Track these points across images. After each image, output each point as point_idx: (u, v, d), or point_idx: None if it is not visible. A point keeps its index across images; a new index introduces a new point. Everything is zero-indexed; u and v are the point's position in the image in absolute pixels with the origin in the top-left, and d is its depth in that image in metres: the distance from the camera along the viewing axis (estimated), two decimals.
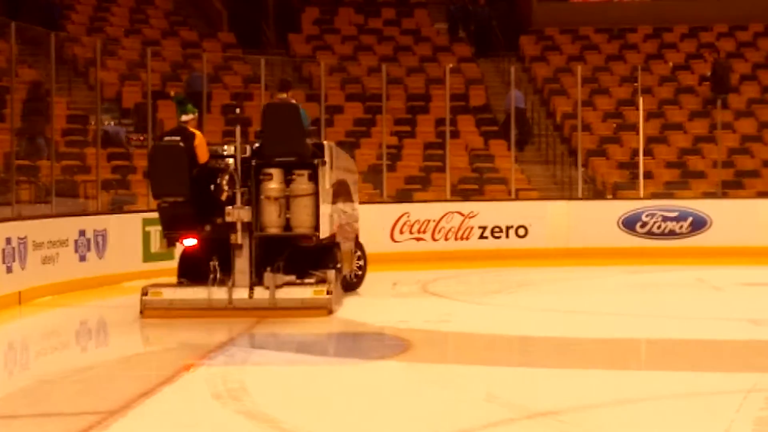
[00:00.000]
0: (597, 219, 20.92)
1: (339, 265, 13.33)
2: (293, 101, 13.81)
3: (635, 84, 23.73)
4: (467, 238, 20.35)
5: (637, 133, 22.34)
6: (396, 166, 22.26)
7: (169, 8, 27.34)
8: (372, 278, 15.35)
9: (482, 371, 9.87)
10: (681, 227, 20.89)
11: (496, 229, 20.56)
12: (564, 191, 22.83)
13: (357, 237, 15.19)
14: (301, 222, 12.76)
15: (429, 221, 20.11)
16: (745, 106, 25.41)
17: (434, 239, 20.05)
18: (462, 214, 20.42)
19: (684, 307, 14.29)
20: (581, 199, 22.05)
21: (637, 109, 22.55)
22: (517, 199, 21.73)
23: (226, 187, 12.52)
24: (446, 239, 20.27)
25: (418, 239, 19.99)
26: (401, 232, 19.95)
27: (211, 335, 11.56)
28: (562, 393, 8.65)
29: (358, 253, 15.11)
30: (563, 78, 25.96)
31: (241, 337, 11.69)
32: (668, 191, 22.33)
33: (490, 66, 27.38)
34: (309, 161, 12.84)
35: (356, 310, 13.71)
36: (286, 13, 27.74)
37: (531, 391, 8.77)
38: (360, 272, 15.09)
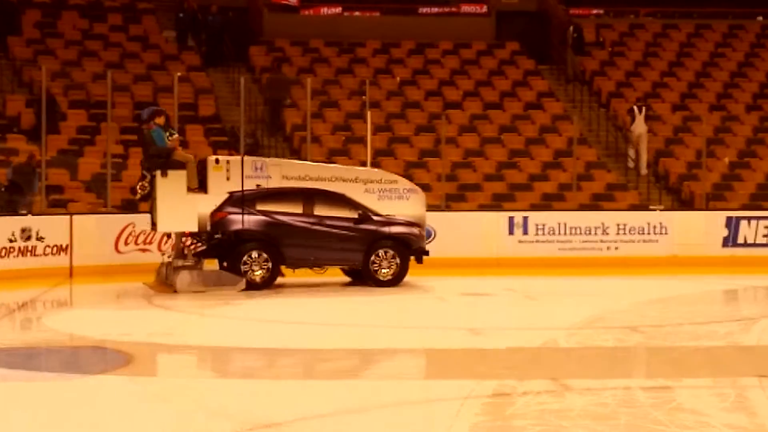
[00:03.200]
0: None
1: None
2: (154, 124, 16.97)
3: (364, 97, 24.03)
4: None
5: (365, 146, 22.60)
6: (121, 176, 21.63)
7: None
8: (95, 290, 14.85)
9: (205, 384, 9.69)
10: None
11: None
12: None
13: None
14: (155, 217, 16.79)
15: (154, 233, 19.63)
16: (468, 121, 26.25)
17: (160, 250, 19.60)
18: None
19: (407, 316, 14.54)
20: None
21: (366, 122, 22.82)
22: None
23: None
24: None
25: (143, 250, 19.44)
26: (126, 243, 19.35)
27: None
28: (284, 404, 8.57)
29: None
30: (293, 90, 26.04)
31: None
32: None
33: (220, 76, 27.13)
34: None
35: (76, 323, 13.20)
36: (5, 15, 26.50)
37: (253, 403, 8.64)
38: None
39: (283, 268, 17.05)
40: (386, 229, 17.41)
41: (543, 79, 28.70)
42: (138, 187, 17.48)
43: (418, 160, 24.74)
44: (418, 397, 8.85)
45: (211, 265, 16.94)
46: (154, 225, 17.10)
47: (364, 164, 20.53)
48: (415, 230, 17.64)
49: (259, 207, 16.92)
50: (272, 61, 27.73)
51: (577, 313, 14.16)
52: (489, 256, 21.24)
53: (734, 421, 7.76)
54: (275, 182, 17.14)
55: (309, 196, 17.18)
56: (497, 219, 21.70)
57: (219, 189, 16.80)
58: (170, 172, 16.58)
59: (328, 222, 17.14)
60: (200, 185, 16.86)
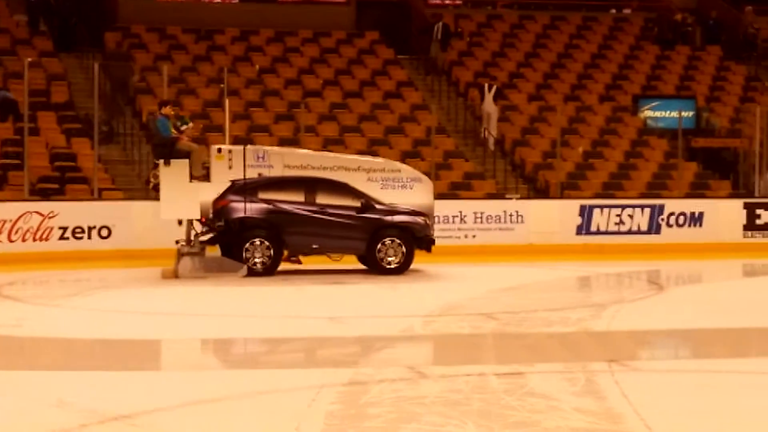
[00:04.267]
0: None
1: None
2: (160, 114, 17.62)
3: (222, 85, 23.77)
4: (47, 239, 19.54)
5: (224, 135, 22.35)
6: None
7: None
8: None
9: (53, 377, 9.42)
10: None
11: (78, 230, 19.89)
12: (150, 192, 22.44)
13: None
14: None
15: (5, 222, 19.11)
16: (328, 110, 26.21)
17: (11, 240, 19.07)
18: (41, 214, 19.58)
19: (267, 305, 14.42)
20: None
21: (224, 110, 22.57)
22: (100, 198, 21.13)
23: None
24: (24, 240, 19.36)
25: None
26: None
27: None
28: (135, 396, 8.40)
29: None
30: (150, 77, 25.59)
31: None
32: None
33: (73, 62, 26.46)
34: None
35: None
36: None
37: (104, 395, 8.45)
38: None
39: (300, 256, 17.76)
40: (389, 218, 17.57)
41: (402, 69, 28.82)
42: (151, 176, 18.04)
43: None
44: (273, 387, 8.77)
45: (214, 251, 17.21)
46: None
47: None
48: (419, 219, 17.71)
49: (261, 195, 17.23)
50: (128, 47, 27.19)
51: (435, 301, 14.26)
52: None
53: (583, 404, 7.90)
54: (277, 171, 17.42)
55: (311, 185, 17.45)
56: None
57: (221, 177, 17.12)
58: (173, 161, 17.01)
59: (331, 210, 17.35)
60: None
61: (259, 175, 17.33)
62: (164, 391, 8.66)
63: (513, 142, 26.08)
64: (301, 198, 17.33)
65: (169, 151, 17.24)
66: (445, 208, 21.90)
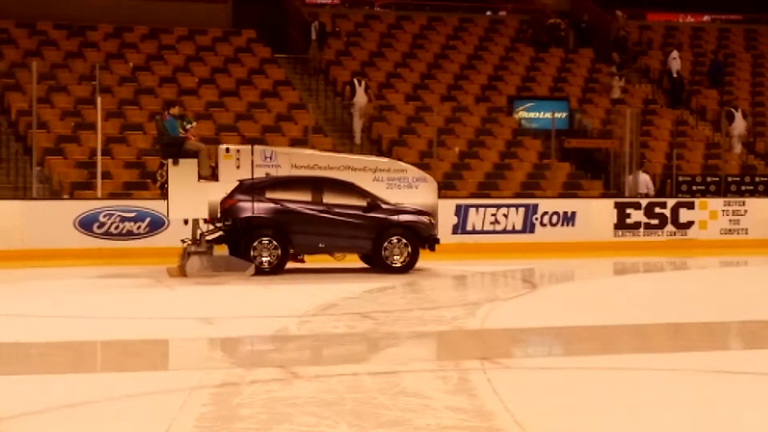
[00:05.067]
0: (53, 219, 20.30)
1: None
2: (168, 114, 17.68)
3: (94, 83, 23.33)
4: None
5: (96, 133, 21.96)
6: None
7: None
8: None
9: None
10: (139, 227, 20.83)
11: None
12: (18, 191, 21.94)
13: None
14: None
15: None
16: (204, 108, 25.95)
17: None
18: None
19: (139, 307, 14.17)
20: (36, 199, 21.30)
21: (96, 108, 22.17)
22: None
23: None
24: None
25: None
26: None
27: None
28: (5, 400, 8.15)
29: None
30: (19, 73, 24.98)
31: None
32: (127, 191, 22.19)
33: None
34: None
35: None
36: None
37: None
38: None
39: (305, 255, 17.87)
40: (395, 217, 17.80)
41: (279, 68, 28.73)
42: (157, 175, 17.99)
43: (151, 147, 24.25)
44: (143, 390, 8.60)
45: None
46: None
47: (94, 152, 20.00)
48: (424, 218, 18.00)
49: (269, 195, 17.41)
50: None
51: (310, 301, 14.19)
52: None
53: (455, 403, 7.94)
54: (285, 171, 17.61)
55: (318, 185, 17.65)
56: None
57: (229, 177, 17.30)
58: (182, 161, 17.13)
59: (337, 210, 17.55)
60: (212, 173, 17.43)
61: (267, 174, 17.51)
62: (30, 395, 8.42)
63: (390, 142, 26.18)
64: (308, 197, 17.54)
65: (177, 150, 17.35)
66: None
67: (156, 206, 21.02)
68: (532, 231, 22.95)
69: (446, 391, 8.42)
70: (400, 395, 8.24)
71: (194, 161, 17.29)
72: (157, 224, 20.81)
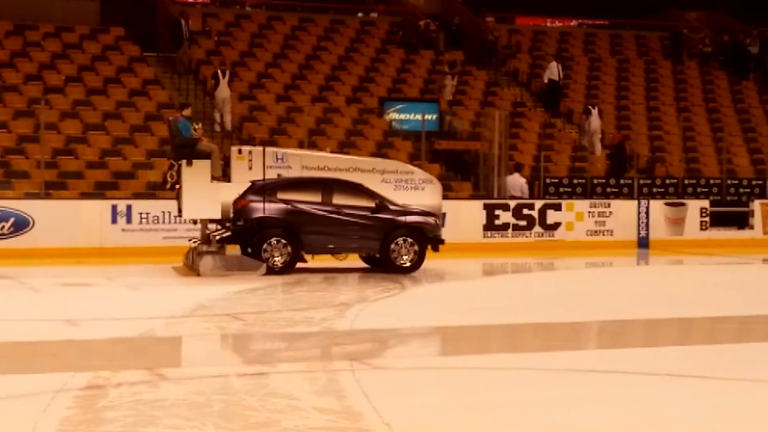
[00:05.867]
0: None
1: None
2: (181, 115, 18.33)
3: None
4: None
5: None
6: None
7: None
8: None
9: None
10: (3, 228, 20.33)
11: None
12: None
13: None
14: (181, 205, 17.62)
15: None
16: (71, 107, 25.44)
17: None
18: None
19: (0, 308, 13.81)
20: None
21: None
22: None
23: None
24: None
25: None
26: None
27: None
28: None
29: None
30: None
31: None
32: None
33: None
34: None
35: None
36: None
37: None
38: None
39: (304, 254, 18.03)
40: (402, 218, 18.14)
41: (148, 66, 28.33)
42: (167, 176, 18.24)
43: (16, 146, 23.72)
44: (4, 393, 8.38)
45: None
46: (180, 212, 17.88)
47: None
48: (431, 219, 18.35)
49: (280, 195, 17.69)
50: None
51: (179, 302, 14.05)
52: (91, 246, 20.71)
53: (323, 404, 7.93)
54: (295, 172, 17.90)
55: (328, 186, 17.93)
56: (100, 207, 21.19)
57: (241, 178, 17.55)
58: (195, 162, 17.36)
59: (346, 211, 17.88)
60: (223, 174, 17.75)
61: (278, 175, 17.78)
62: None
63: (260, 142, 26.03)
64: (318, 198, 17.83)
65: (189, 151, 17.60)
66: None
67: (21, 206, 20.58)
68: None
69: (315, 392, 8.41)
70: (268, 396, 8.20)
71: (207, 162, 17.52)
72: (21, 225, 20.34)
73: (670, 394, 8.45)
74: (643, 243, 25.27)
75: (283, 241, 17.53)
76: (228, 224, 17.86)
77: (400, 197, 18.36)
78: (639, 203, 25.62)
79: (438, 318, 13.26)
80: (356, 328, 12.16)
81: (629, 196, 26.85)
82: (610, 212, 25.05)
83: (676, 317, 13.52)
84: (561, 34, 37.31)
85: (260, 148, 18.17)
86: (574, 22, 41.10)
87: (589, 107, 29.87)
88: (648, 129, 31.81)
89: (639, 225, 25.35)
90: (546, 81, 31.31)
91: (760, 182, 28.64)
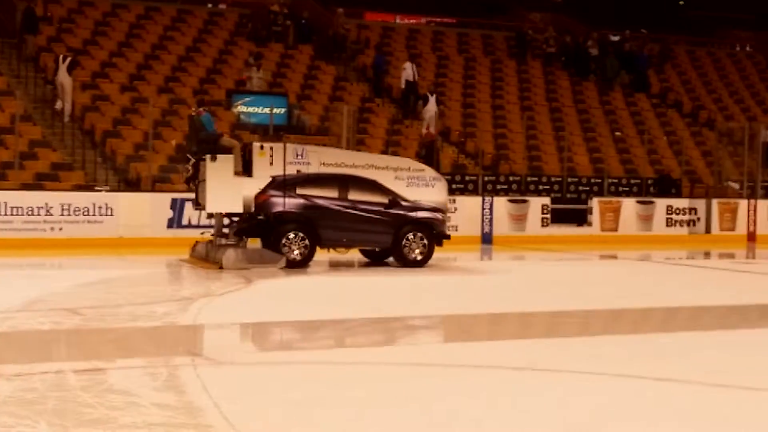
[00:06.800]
0: None
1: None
2: (202, 110, 18.78)
3: None
4: None
5: None
6: None
7: None
8: None
9: None
10: None
11: None
12: None
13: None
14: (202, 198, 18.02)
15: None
16: None
17: None
18: None
19: None
20: None
21: None
22: None
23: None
24: None
25: None
26: None
27: None
28: None
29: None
30: None
31: None
32: None
33: None
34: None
35: None
36: None
37: None
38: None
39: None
40: (413, 214, 18.87)
41: None
42: (183, 170, 18.87)
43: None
44: None
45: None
46: (198, 205, 18.57)
47: None
48: (439, 215, 19.20)
49: (299, 191, 18.21)
50: None
51: (14, 296, 13.57)
52: None
53: (163, 399, 7.75)
54: (314, 168, 18.36)
55: (344, 182, 18.49)
56: None
57: (263, 173, 17.98)
58: (219, 157, 17.80)
59: (361, 206, 18.53)
60: (244, 169, 18.07)
61: (298, 171, 18.20)
62: None
63: (104, 133, 25.49)
64: (335, 194, 18.41)
65: (213, 147, 18.02)
66: (29, 199, 21.06)
67: None
68: None
69: (155, 388, 8.20)
70: (106, 393, 7.96)
71: (231, 157, 17.92)
72: None
73: (504, 387, 8.55)
74: (487, 239, 25.66)
75: (301, 234, 18.06)
76: (235, 218, 18.32)
77: (411, 194, 18.98)
78: (483, 199, 25.99)
79: (282, 312, 13.15)
80: (199, 322, 11.96)
81: (474, 192, 27.21)
82: (455, 208, 25.32)
83: (517, 312, 13.74)
84: (410, 31, 37.58)
85: (281, 145, 18.48)
86: (422, 20, 41.49)
87: (427, 94, 30.19)
88: (493, 127, 32.31)
89: (483, 221, 25.72)
90: (403, 84, 31.45)
91: (599, 181, 29.40)
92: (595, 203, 27.55)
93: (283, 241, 17.97)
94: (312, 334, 11.68)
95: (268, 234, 18.10)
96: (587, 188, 29.01)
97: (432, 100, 29.94)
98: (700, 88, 39.48)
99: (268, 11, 33.06)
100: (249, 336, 11.69)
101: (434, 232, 19.08)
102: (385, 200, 18.70)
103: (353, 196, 18.53)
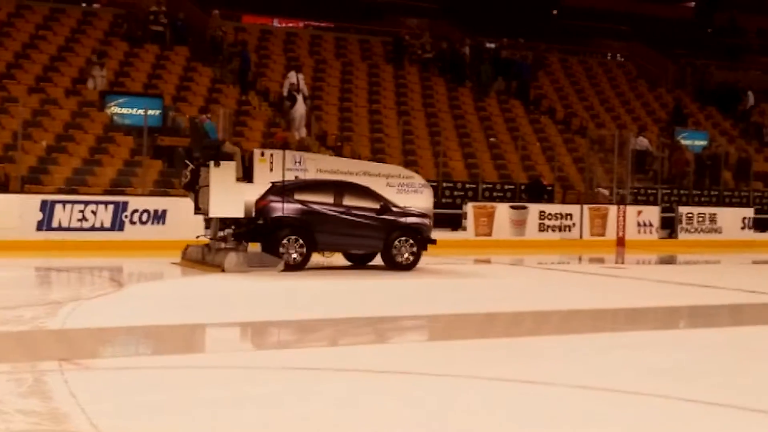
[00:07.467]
0: None
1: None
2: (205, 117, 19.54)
3: None
4: None
5: None
6: None
7: None
8: None
9: None
10: None
11: None
12: None
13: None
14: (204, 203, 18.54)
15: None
16: None
17: None
18: None
19: None
20: None
21: None
22: None
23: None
24: None
25: None
26: None
27: None
28: None
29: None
30: None
31: None
32: None
33: None
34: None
35: None
36: None
37: None
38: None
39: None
40: (403, 219, 19.63)
41: None
42: (182, 175, 19.22)
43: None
44: None
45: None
46: (198, 210, 18.92)
47: None
48: (426, 221, 19.96)
49: (297, 196, 18.82)
50: None
51: None
52: None
53: (28, 406, 7.61)
54: (311, 175, 18.99)
55: (339, 188, 19.16)
56: None
57: (263, 179, 18.56)
58: (222, 163, 18.31)
59: (355, 211, 19.18)
60: (245, 175, 18.62)
61: (296, 177, 18.80)
62: None
63: None
64: (330, 200, 19.04)
65: (216, 153, 18.50)
66: None
67: None
68: (121, 228, 22.61)
69: (20, 393, 8.05)
70: None
71: (233, 163, 18.42)
72: None
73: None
74: None
75: (299, 239, 18.61)
76: (231, 224, 18.65)
77: (401, 200, 19.68)
78: None
79: (154, 317, 13.02)
80: (68, 327, 11.77)
81: None
82: None
83: (389, 316, 13.86)
84: (287, 35, 37.53)
85: (281, 152, 19.12)
86: (300, 24, 41.47)
87: (293, 93, 30.13)
88: (370, 131, 32.45)
89: None
90: (285, 92, 31.27)
91: (473, 186, 29.77)
92: (469, 208, 27.87)
93: (282, 244, 18.47)
94: (179, 338, 11.59)
95: (268, 238, 18.57)
96: (462, 193, 29.33)
97: (300, 99, 29.93)
98: (573, 96, 40.28)
99: (147, 11, 32.65)
100: (119, 340, 11.54)
101: (421, 237, 19.81)
102: (377, 206, 19.40)
103: (348, 201, 19.19)
